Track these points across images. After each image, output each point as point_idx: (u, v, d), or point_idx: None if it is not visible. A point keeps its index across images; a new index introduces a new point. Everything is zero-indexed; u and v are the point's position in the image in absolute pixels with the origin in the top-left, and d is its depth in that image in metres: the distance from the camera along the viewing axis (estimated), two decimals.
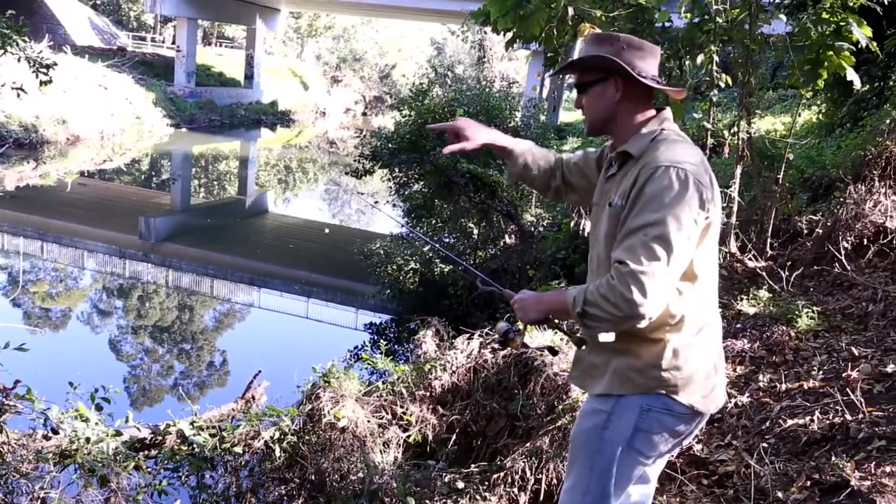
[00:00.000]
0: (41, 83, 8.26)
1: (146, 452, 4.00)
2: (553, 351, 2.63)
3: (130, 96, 27.60)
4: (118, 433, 3.80)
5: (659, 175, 2.00)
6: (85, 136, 23.46)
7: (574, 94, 2.44)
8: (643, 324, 1.99)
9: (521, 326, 2.38)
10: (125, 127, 25.84)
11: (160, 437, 4.07)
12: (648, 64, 2.16)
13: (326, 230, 12.50)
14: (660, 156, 2.05)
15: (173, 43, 38.26)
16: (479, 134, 2.47)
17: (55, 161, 21.08)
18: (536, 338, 4.31)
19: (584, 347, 2.23)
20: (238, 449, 3.96)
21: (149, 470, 3.81)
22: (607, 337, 2.12)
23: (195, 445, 3.91)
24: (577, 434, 2.31)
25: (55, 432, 3.71)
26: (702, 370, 2.16)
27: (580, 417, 2.33)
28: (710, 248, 2.14)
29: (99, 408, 3.86)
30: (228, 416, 4.52)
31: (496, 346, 4.36)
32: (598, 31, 5.54)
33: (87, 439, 3.62)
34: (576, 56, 2.25)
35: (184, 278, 12.72)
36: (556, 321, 2.33)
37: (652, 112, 2.21)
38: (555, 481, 3.47)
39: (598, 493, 2.22)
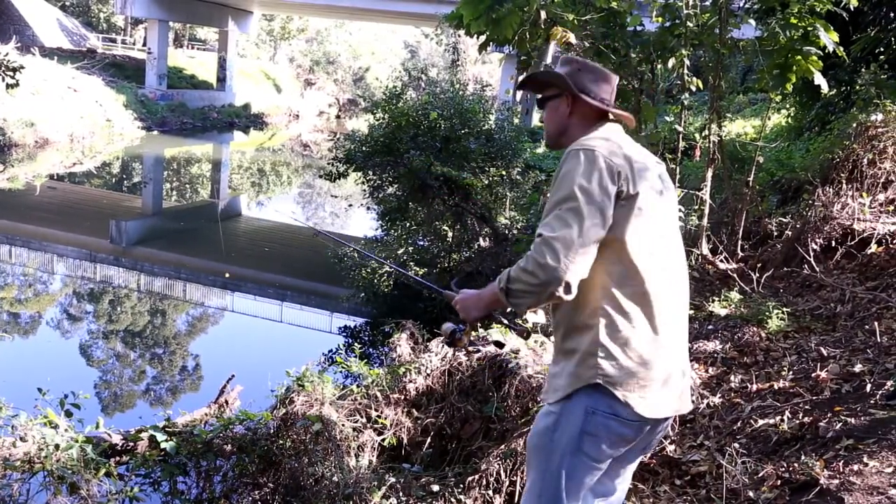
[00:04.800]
0: (8, 86, 8.14)
1: (117, 459, 3.95)
2: (499, 344, 2.97)
3: (101, 99, 27.28)
4: (88, 439, 3.75)
5: (569, 156, 2.18)
6: (54, 138, 23.14)
7: None
8: (562, 291, 2.07)
9: (465, 325, 2.46)
10: (95, 130, 25.52)
11: (131, 443, 4.02)
12: (601, 88, 2.36)
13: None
14: (575, 143, 2.22)
15: (144, 45, 37.93)
16: None
17: (23, 164, 20.77)
18: (511, 340, 4.32)
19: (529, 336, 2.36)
20: (211, 454, 3.92)
21: (120, 476, 3.76)
22: (537, 317, 2.20)
23: (167, 451, 3.86)
24: (531, 436, 2.36)
25: (23, 439, 3.65)
26: (644, 367, 2.15)
27: (535, 420, 2.38)
28: (647, 236, 2.18)
29: (69, 414, 3.81)
30: (201, 421, 4.47)
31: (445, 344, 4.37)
32: (570, 34, 5.58)
33: (57, 446, 3.56)
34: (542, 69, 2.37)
35: (156, 282, 12.58)
36: (498, 315, 2.44)
37: (601, 120, 2.38)
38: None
39: (550, 496, 2.25)
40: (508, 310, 2.34)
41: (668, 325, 2.21)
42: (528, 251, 2.12)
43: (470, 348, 2.76)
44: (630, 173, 2.14)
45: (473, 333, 2.63)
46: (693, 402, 2.33)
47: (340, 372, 5.22)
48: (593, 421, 2.16)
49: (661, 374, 2.17)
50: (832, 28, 5.77)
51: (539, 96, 2.46)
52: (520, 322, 2.55)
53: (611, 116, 2.39)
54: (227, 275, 12.45)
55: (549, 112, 2.42)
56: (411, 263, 10.13)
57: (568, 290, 2.07)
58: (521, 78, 2.62)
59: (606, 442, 2.19)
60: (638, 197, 2.14)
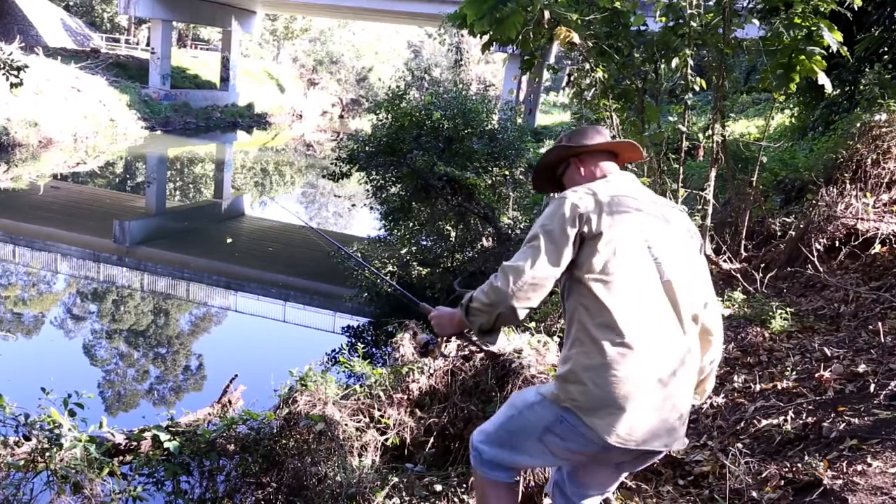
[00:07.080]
0: (12, 86, 8.15)
1: (120, 458, 3.96)
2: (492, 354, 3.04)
3: (104, 98, 27.32)
4: (92, 439, 3.75)
5: (549, 203, 2.40)
6: (58, 138, 23.19)
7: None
8: (508, 314, 2.25)
9: (438, 339, 2.73)
10: (99, 129, 25.57)
11: (135, 443, 4.02)
12: (590, 136, 2.55)
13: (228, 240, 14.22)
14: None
15: (148, 45, 37.98)
16: None
17: (27, 164, 20.81)
18: (514, 341, 4.32)
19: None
20: (214, 454, 3.92)
21: (123, 476, 3.76)
22: (492, 337, 2.38)
23: (171, 450, 3.87)
24: (516, 394, 2.55)
25: (27, 439, 3.66)
26: (615, 398, 2.16)
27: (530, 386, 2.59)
28: (616, 272, 2.22)
29: (72, 413, 3.81)
30: (204, 421, 4.48)
31: (417, 354, 4.43)
32: (574, 34, 5.57)
33: (60, 445, 3.57)
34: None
35: (159, 282, 12.60)
36: (468, 333, 2.66)
37: (608, 168, 2.53)
38: (532, 483, 3.48)
39: (497, 444, 2.44)
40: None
41: (651, 358, 2.19)
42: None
43: (440, 359, 2.95)
44: (596, 215, 2.27)
45: (446, 346, 2.91)
46: (685, 441, 2.35)
47: (343, 372, 5.22)
48: (560, 426, 2.27)
49: (637, 406, 2.17)
50: (836, 28, 5.75)
51: (555, 184, 2.66)
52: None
53: (614, 171, 2.52)
54: (228, 240, 12.66)
55: (568, 183, 2.58)
56: (414, 263, 10.13)
57: (514, 314, 2.25)
58: (533, 181, 2.81)
59: (568, 449, 2.30)
60: (602, 236, 2.24)
